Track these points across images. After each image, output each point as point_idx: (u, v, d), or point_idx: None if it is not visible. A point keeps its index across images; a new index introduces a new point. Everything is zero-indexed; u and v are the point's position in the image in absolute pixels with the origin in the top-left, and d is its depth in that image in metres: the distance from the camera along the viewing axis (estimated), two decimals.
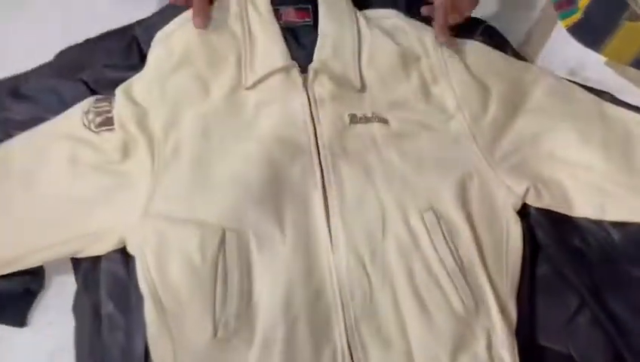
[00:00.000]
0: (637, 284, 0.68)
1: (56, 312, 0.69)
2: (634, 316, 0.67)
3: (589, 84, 0.78)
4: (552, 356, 0.68)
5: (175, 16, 0.71)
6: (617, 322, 0.67)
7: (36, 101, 0.71)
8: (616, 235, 0.70)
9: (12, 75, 0.74)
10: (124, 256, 0.65)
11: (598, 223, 0.70)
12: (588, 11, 0.80)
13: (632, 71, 0.80)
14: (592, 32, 0.80)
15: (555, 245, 0.69)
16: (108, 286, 0.65)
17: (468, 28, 0.77)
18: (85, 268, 0.68)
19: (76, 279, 0.69)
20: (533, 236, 0.70)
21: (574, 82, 0.76)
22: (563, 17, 0.82)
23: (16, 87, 0.72)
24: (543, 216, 0.70)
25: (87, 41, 0.75)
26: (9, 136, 0.69)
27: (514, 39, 0.81)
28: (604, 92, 0.76)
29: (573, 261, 0.69)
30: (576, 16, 0.81)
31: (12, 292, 0.69)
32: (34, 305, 0.70)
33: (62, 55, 0.74)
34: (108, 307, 0.65)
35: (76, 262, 0.69)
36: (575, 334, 0.68)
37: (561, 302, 0.69)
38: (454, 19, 0.74)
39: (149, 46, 0.71)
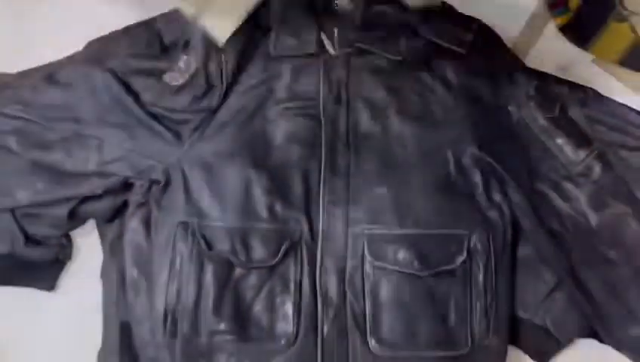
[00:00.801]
0: (611, 265, 0.72)
1: (85, 276, 0.76)
2: (607, 294, 0.71)
3: (579, 82, 0.80)
4: (529, 327, 0.74)
5: None
6: (592, 299, 0.71)
7: (71, 88, 0.74)
8: (593, 221, 0.73)
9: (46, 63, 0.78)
10: (145, 228, 0.72)
11: (577, 209, 0.73)
12: (579, 12, 0.85)
13: (619, 69, 0.84)
14: (581, 31, 0.85)
15: (536, 229, 0.72)
16: (132, 255, 0.72)
17: (462, 26, 0.78)
18: (111, 238, 0.75)
19: (103, 248, 0.76)
20: (517, 222, 0.73)
21: None
22: (555, 16, 0.87)
23: (51, 73, 0.75)
24: (525, 203, 0.72)
25: (113, 33, 0.79)
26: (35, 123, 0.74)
27: (506, 37, 0.83)
28: (589, 88, 0.79)
29: (552, 243, 0.72)
30: (568, 16, 0.86)
31: (43, 259, 0.76)
32: (64, 271, 0.78)
33: (90, 45, 0.78)
34: (132, 273, 0.72)
35: (103, 233, 0.76)
36: (552, 308, 0.73)
37: (540, 280, 0.74)
38: None
39: (169, 37, 0.76)
